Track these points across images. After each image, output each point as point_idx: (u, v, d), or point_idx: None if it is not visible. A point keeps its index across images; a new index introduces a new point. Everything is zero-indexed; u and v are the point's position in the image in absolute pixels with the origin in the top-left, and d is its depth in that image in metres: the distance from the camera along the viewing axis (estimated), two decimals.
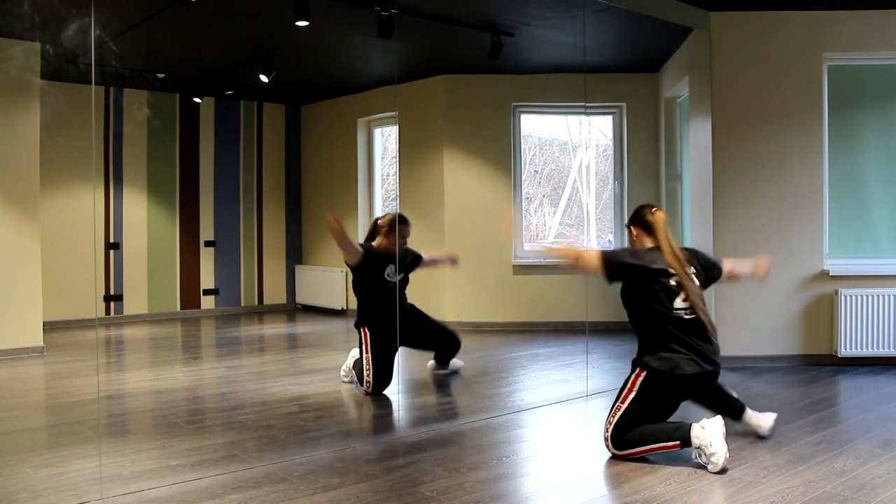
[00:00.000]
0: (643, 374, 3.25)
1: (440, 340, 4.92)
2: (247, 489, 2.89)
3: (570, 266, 3.34)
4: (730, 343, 5.31)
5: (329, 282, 7.98)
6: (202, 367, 5.59)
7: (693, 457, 3.10)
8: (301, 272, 8.55)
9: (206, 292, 7.88)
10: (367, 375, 4.41)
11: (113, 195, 7.35)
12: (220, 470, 3.11)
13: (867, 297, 5.18)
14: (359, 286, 4.58)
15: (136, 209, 7.50)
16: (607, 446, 3.30)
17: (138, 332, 7.00)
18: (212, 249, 8.02)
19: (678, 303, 3.24)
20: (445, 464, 3.21)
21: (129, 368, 5.58)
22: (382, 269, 4.54)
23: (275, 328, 7.58)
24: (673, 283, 3.26)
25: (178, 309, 7.64)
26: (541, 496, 2.85)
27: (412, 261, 4.77)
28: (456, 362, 4.98)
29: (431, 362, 4.99)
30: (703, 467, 3.11)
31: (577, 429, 3.86)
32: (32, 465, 3.17)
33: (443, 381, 4.88)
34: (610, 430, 3.28)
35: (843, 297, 5.18)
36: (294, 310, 8.35)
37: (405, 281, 4.72)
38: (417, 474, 3.10)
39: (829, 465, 3.14)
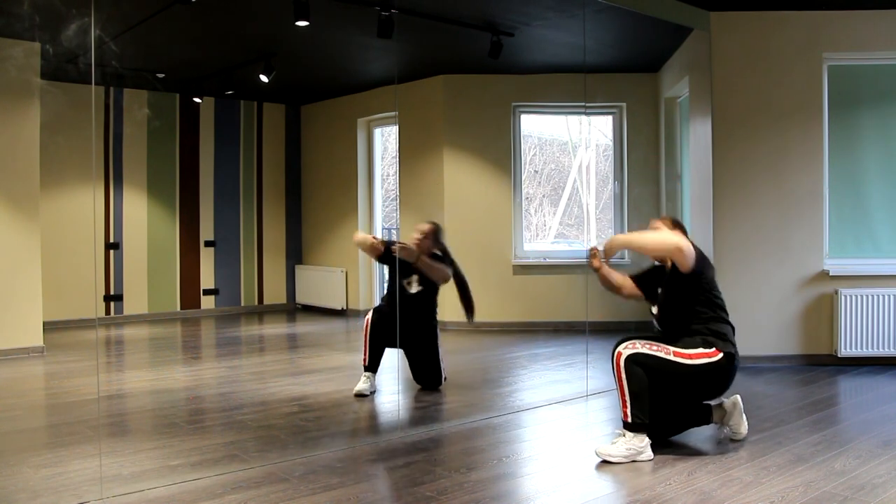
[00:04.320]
0: (718, 356, 3.27)
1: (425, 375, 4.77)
2: (247, 489, 2.89)
3: (672, 251, 3.30)
4: None
5: (329, 282, 7.98)
6: (202, 367, 5.59)
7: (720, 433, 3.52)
8: (301, 272, 8.55)
9: (206, 292, 7.89)
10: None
11: (113, 195, 7.35)
12: (220, 470, 3.11)
13: (867, 297, 5.18)
14: None
15: (136, 209, 7.51)
16: (618, 353, 3.27)
17: (138, 332, 7.00)
18: (212, 249, 8.02)
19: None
20: (445, 464, 3.21)
21: (129, 368, 5.58)
22: (402, 276, 4.69)
23: (275, 328, 7.58)
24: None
25: (178, 309, 7.65)
26: (541, 496, 2.85)
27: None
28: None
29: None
30: (702, 467, 3.12)
31: (577, 429, 3.86)
32: (32, 465, 3.17)
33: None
34: (639, 352, 3.23)
35: (843, 297, 5.18)
36: (294, 310, 8.35)
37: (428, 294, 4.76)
38: (417, 474, 3.10)
39: (829, 465, 3.14)
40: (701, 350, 3.27)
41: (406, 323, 4.52)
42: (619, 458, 3.18)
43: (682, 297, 3.37)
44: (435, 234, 4.73)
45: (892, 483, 2.92)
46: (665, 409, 3.43)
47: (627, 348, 3.26)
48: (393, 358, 4.74)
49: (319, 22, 5.28)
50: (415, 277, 4.66)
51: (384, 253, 4.68)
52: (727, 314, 3.43)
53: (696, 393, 3.38)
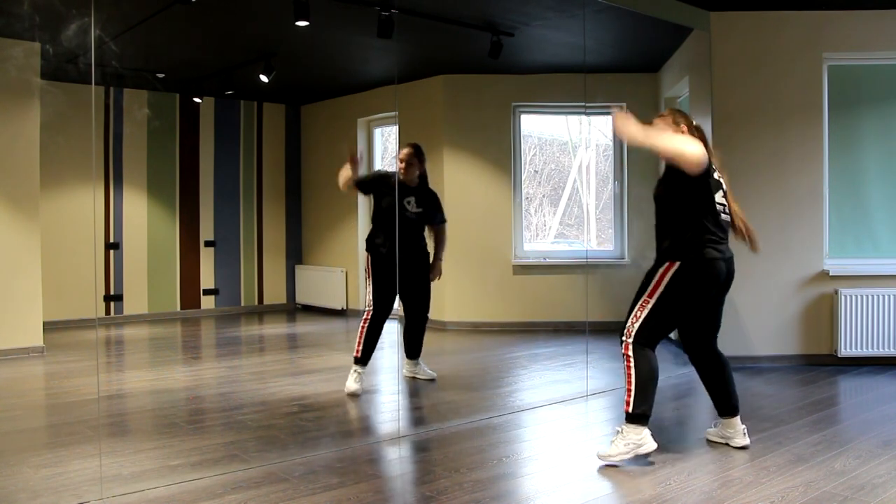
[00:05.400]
0: (675, 266, 3.19)
1: (416, 304, 4.78)
2: (247, 489, 2.89)
3: (693, 163, 3.11)
4: (730, 343, 5.31)
5: (329, 282, 7.98)
6: (202, 367, 5.59)
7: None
8: (301, 272, 8.55)
9: (206, 292, 7.88)
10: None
11: (113, 195, 7.35)
12: (220, 470, 3.11)
13: (867, 297, 5.18)
14: (375, 210, 4.72)
15: (136, 209, 7.50)
16: (625, 344, 3.24)
17: (138, 332, 7.00)
18: (212, 249, 8.02)
19: (718, 197, 3.28)
20: (445, 464, 3.21)
21: (129, 368, 5.58)
22: (402, 197, 4.61)
23: (275, 328, 7.58)
24: (716, 176, 3.31)
25: (178, 309, 7.64)
26: (541, 496, 2.85)
27: (431, 204, 4.78)
28: (428, 371, 4.92)
29: (405, 368, 4.95)
30: (702, 467, 3.13)
31: (577, 429, 3.86)
32: (32, 465, 3.17)
33: (442, 382, 4.88)
34: (635, 328, 3.22)
35: (843, 297, 5.18)
36: (294, 310, 8.35)
37: (423, 217, 4.72)
38: (417, 474, 3.10)
39: (829, 465, 3.14)
40: (659, 273, 3.22)
41: (407, 249, 4.52)
42: (621, 457, 3.16)
43: (676, 199, 3.28)
44: (418, 156, 4.68)
45: (892, 483, 2.92)
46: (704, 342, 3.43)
47: (629, 335, 3.24)
48: (393, 358, 4.74)
49: (319, 22, 5.28)
50: (413, 198, 4.64)
51: (364, 181, 4.67)
52: (712, 218, 3.25)
53: (686, 306, 3.25)
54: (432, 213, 4.78)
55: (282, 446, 3.46)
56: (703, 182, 3.21)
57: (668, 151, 3.16)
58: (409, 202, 4.62)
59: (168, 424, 3.93)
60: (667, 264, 3.22)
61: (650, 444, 3.18)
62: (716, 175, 3.30)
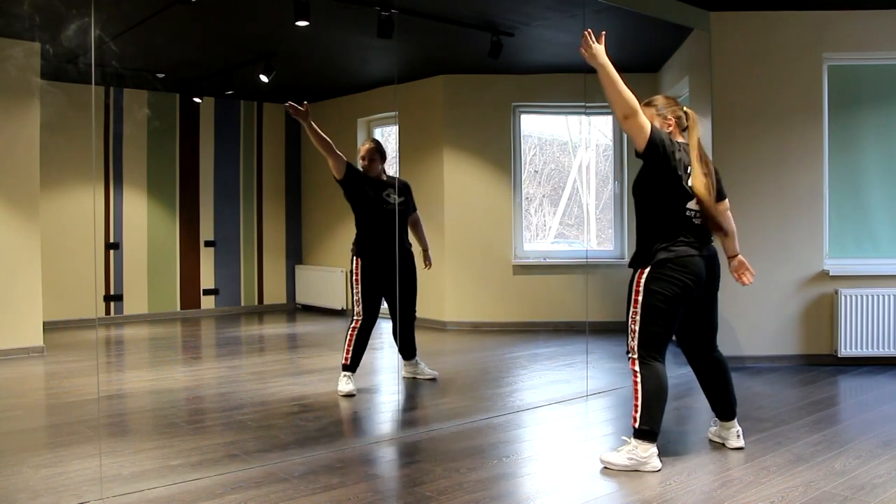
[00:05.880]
0: (645, 271, 3.16)
1: (404, 302, 4.71)
2: (247, 489, 2.89)
3: (619, 114, 3.07)
4: (730, 343, 5.32)
5: (329, 282, 7.98)
6: (202, 367, 5.59)
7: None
8: (301, 272, 8.55)
9: (206, 292, 7.88)
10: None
11: (113, 195, 7.35)
12: (220, 470, 3.11)
13: (867, 297, 5.18)
14: (354, 208, 4.68)
15: (136, 209, 7.51)
16: (630, 360, 3.20)
17: (138, 332, 7.00)
18: (212, 249, 8.02)
19: (691, 204, 3.20)
20: (445, 464, 3.21)
21: (129, 368, 5.58)
22: (380, 191, 4.61)
23: (275, 328, 7.58)
24: (691, 182, 3.21)
25: (178, 309, 7.65)
26: (541, 496, 2.85)
27: (409, 192, 4.84)
28: (428, 371, 4.90)
29: (404, 370, 4.93)
30: (702, 467, 3.13)
31: (577, 429, 3.86)
32: (32, 465, 3.17)
33: (442, 382, 4.88)
34: (635, 343, 3.17)
35: (843, 297, 5.18)
36: (294, 310, 8.35)
37: (405, 207, 4.74)
38: (417, 474, 3.10)
39: (829, 465, 3.14)
40: (634, 283, 3.21)
41: (394, 245, 4.48)
42: (621, 468, 3.11)
43: (644, 193, 3.25)
44: (379, 151, 4.67)
45: (892, 483, 2.92)
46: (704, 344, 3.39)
47: (632, 350, 3.20)
48: (393, 358, 4.73)
49: (319, 22, 5.28)
50: (391, 189, 4.65)
51: (348, 174, 4.52)
52: (679, 219, 3.20)
53: (671, 307, 3.16)
54: (411, 201, 4.84)
55: (282, 446, 3.46)
56: (664, 178, 3.16)
57: (611, 89, 3.03)
58: (388, 195, 4.63)
59: (168, 424, 3.93)
60: (638, 273, 3.21)
61: (655, 464, 3.11)
62: (690, 181, 3.21)
